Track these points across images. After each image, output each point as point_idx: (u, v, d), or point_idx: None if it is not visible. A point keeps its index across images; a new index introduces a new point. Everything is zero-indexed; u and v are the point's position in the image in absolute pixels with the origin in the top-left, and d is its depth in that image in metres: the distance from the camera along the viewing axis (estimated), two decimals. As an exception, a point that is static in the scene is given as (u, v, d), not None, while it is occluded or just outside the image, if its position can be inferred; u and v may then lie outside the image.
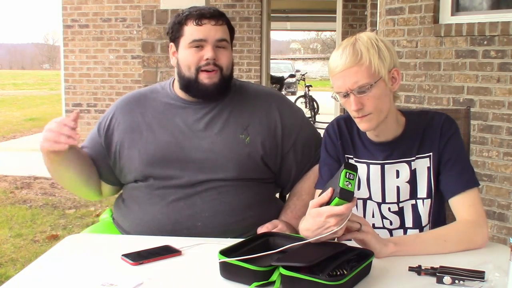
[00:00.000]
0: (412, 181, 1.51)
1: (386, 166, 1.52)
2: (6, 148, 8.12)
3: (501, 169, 3.41)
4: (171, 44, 1.74)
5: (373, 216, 1.56)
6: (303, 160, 1.77)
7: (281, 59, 32.32)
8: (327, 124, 1.65)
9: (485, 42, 3.41)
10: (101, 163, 1.78)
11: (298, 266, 1.12)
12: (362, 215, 1.56)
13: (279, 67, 22.41)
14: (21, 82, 29.56)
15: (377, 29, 5.01)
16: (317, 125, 9.60)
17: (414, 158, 1.50)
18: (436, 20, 3.67)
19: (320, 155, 1.63)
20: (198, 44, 1.65)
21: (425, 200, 1.51)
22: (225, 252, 1.22)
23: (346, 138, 1.57)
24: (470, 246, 1.37)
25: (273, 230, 1.59)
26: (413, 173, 1.51)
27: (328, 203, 1.23)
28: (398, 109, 1.54)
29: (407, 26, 3.80)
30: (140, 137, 1.71)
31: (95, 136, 1.80)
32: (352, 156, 1.57)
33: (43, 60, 70.42)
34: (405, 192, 1.52)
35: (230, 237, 1.55)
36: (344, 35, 7.32)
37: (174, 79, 1.78)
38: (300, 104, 12.37)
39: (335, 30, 8.60)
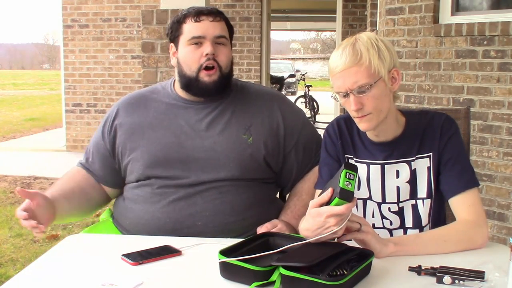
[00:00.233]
0: (412, 181, 1.51)
1: (386, 166, 1.52)
2: (6, 148, 8.12)
3: (501, 169, 3.41)
4: (171, 44, 1.74)
5: (373, 216, 1.56)
6: (304, 160, 1.77)
7: (281, 59, 32.32)
8: (327, 124, 1.65)
9: (485, 42, 3.41)
10: (108, 169, 1.79)
11: (298, 266, 1.12)
12: (362, 215, 1.56)
13: (279, 67, 22.41)
14: (21, 82, 29.57)
15: (377, 29, 5.01)
16: (317, 125, 9.60)
17: (414, 158, 1.50)
18: (436, 20, 3.67)
19: (320, 155, 1.63)
20: (197, 41, 1.66)
21: (425, 200, 1.51)
22: (225, 252, 1.22)
23: (346, 138, 1.58)
24: (470, 246, 1.37)
25: (273, 230, 1.60)
26: (413, 173, 1.51)
27: (328, 203, 1.23)
28: (398, 109, 1.54)
29: (407, 26, 3.80)
30: (142, 137, 1.71)
31: (100, 141, 1.80)
32: (352, 156, 1.57)
33: (43, 60, 70.43)
34: (405, 192, 1.52)
35: (230, 237, 1.55)
36: (344, 35, 7.32)
37: (175, 79, 1.78)
38: (300, 104, 12.37)
39: (335, 30, 8.60)
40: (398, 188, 1.52)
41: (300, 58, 39.30)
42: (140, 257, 1.33)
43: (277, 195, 1.87)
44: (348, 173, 1.21)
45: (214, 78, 1.66)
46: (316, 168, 1.72)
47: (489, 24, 3.36)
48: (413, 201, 1.52)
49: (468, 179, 1.46)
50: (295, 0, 11.91)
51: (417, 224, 1.53)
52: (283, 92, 16.31)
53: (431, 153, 1.50)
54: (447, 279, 1.16)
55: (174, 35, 1.72)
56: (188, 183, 1.65)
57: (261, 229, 1.61)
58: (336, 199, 1.20)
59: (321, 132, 1.79)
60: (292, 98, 11.37)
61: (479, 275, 1.16)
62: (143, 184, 1.70)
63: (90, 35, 7.30)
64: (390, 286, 1.18)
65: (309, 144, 1.78)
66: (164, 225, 1.63)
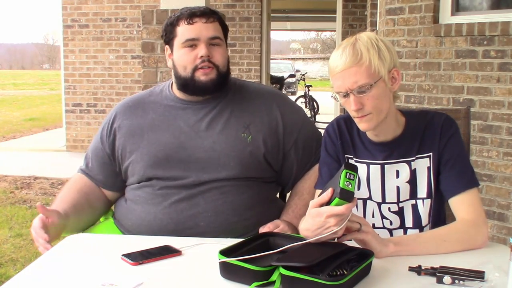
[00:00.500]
0: (412, 181, 1.51)
1: (386, 166, 1.52)
2: (6, 148, 8.12)
3: (501, 169, 3.41)
4: (166, 46, 1.74)
5: (373, 216, 1.56)
6: (304, 159, 1.78)
7: (281, 59, 32.33)
8: (327, 124, 1.65)
9: (485, 42, 3.41)
10: (108, 173, 1.79)
11: (298, 266, 1.12)
12: (362, 215, 1.56)
13: (279, 67, 22.41)
14: (21, 82, 29.57)
15: (377, 29, 5.01)
16: (317, 125, 9.54)
17: (414, 158, 1.50)
18: (436, 20, 3.67)
19: (320, 155, 1.63)
20: (192, 43, 1.66)
21: (425, 200, 1.51)
22: (225, 252, 1.22)
23: (346, 138, 1.57)
24: (470, 246, 1.37)
25: (275, 230, 1.60)
26: (413, 173, 1.51)
27: (328, 203, 1.23)
28: (398, 109, 1.54)
29: (407, 26, 3.80)
30: (142, 140, 1.72)
31: (98, 145, 1.80)
32: (352, 156, 1.57)
33: (43, 60, 70.44)
34: (405, 192, 1.52)
35: (232, 237, 1.55)
36: (344, 35, 7.32)
37: (172, 81, 1.78)
38: (300, 104, 12.35)
39: (335, 30, 8.60)
40: (398, 188, 1.52)
41: (300, 58, 39.30)
42: (140, 257, 1.33)
43: (278, 195, 1.88)
44: (348, 173, 1.21)
45: (211, 76, 1.66)
46: (317, 167, 1.72)
47: (489, 24, 3.36)
48: (413, 201, 1.52)
49: (468, 179, 1.46)
50: (295, 0, 11.91)
51: (417, 224, 1.53)
52: (283, 92, 16.29)
53: (431, 153, 1.50)
54: (447, 279, 1.16)
55: (168, 38, 1.71)
56: (189, 183, 1.65)
57: (263, 229, 1.61)
58: (336, 199, 1.20)
59: (321, 132, 1.79)
60: (292, 98, 11.34)
61: (479, 275, 1.16)
62: (145, 185, 1.70)
63: (90, 35, 7.30)
64: (390, 286, 1.18)
65: (309, 142, 1.78)
66: (166, 226, 1.63)
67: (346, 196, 1.20)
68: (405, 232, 1.54)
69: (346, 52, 1.38)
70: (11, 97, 19.21)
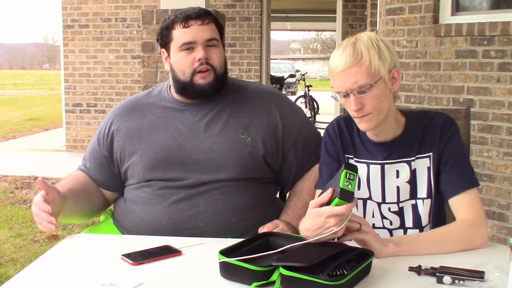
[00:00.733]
0: (412, 181, 1.51)
1: (386, 166, 1.52)
2: (6, 148, 8.12)
3: (501, 169, 3.41)
4: (163, 50, 1.73)
5: (373, 216, 1.56)
6: (303, 159, 1.77)
7: (281, 59, 32.33)
8: (327, 124, 1.65)
9: (485, 42, 3.41)
10: (106, 174, 1.79)
11: (298, 266, 1.12)
12: (362, 215, 1.56)
13: (279, 67, 22.42)
14: (21, 82, 29.56)
15: (377, 29, 5.01)
16: (317, 125, 9.59)
17: (414, 158, 1.50)
18: (436, 20, 3.67)
19: (320, 155, 1.63)
20: (188, 47, 1.65)
21: (425, 200, 1.51)
22: (225, 252, 1.22)
23: (346, 138, 1.57)
24: (470, 246, 1.37)
25: (274, 230, 1.60)
26: (413, 173, 1.51)
27: (328, 203, 1.23)
28: (398, 109, 1.54)
29: (407, 26, 3.80)
30: (140, 142, 1.71)
31: (96, 147, 1.81)
32: (352, 156, 1.57)
33: (43, 60, 70.43)
34: (405, 192, 1.52)
35: (231, 237, 1.55)
36: (344, 35, 7.32)
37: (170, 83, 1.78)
38: (300, 104, 12.36)
39: (335, 30, 8.60)
40: (398, 188, 1.52)
41: (300, 58, 39.30)
42: (140, 257, 1.33)
43: (277, 195, 1.87)
44: (348, 173, 1.21)
45: (209, 80, 1.66)
46: (316, 167, 1.72)
47: (489, 24, 3.36)
48: (413, 201, 1.52)
49: (468, 179, 1.46)
50: (295, 0, 11.91)
51: (417, 224, 1.53)
52: (283, 92, 16.31)
53: (431, 153, 1.50)
54: (447, 279, 1.16)
55: (164, 41, 1.71)
56: (188, 184, 1.65)
57: (262, 230, 1.61)
58: (336, 199, 1.20)
59: (321, 132, 1.79)
60: (292, 98, 11.33)
61: (479, 275, 1.16)
62: (144, 186, 1.70)
63: (90, 35, 7.30)
64: (390, 286, 1.18)
65: (308, 142, 1.78)
66: (165, 226, 1.63)
67: (346, 196, 1.20)
68: (405, 232, 1.54)
69: (346, 52, 1.38)
70: (11, 97, 19.21)
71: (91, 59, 7.32)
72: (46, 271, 1.29)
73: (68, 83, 7.40)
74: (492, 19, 3.40)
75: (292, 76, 19.68)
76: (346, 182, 1.20)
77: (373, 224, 1.55)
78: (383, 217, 1.55)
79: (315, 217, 1.23)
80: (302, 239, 1.29)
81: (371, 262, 1.21)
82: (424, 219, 1.52)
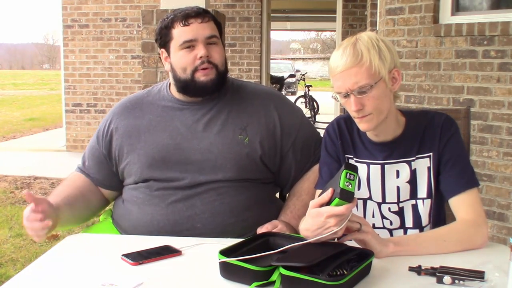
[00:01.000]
0: (412, 181, 1.51)
1: (386, 166, 1.52)
2: (6, 148, 8.12)
3: (501, 169, 3.41)
4: (162, 50, 1.73)
5: (373, 216, 1.56)
6: (302, 160, 1.77)
7: (281, 59, 32.32)
8: (327, 124, 1.65)
9: (485, 42, 3.41)
10: (105, 172, 1.79)
11: (298, 266, 1.12)
12: (362, 215, 1.56)
13: (279, 67, 22.42)
14: (21, 82, 29.56)
15: (377, 29, 5.01)
16: (317, 125, 9.60)
17: (414, 158, 1.50)
18: (436, 20, 3.67)
19: (320, 155, 1.63)
20: (189, 45, 1.65)
21: (425, 200, 1.51)
22: (225, 252, 1.22)
23: (346, 138, 1.57)
24: (470, 246, 1.37)
25: (273, 230, 1.59)
26: (413, 173, 1.51)
27: (328, 203, 1.23)
28: (398, 109, 1.53)
29: (407, 26, 3.80)
30: (139, 141, 1.71)
31: (95, 145, 1.81)
32: (352, 156, 1.57)
33: (43, 60, 70.42)
34: (405, 192, 1.52)
35: (230, 238, 1.55)
36: (344, 35, 7.32)
37: (170, 82, 1.78)
38: (300, 104, 12.37)
39: (335, 30, 8.60)
40: (398, 188, 1.52)
41: (300, 58, 39.29)
42: (140, 257, 1.33)
43: (277, 195, 1.87)
44: (348, 174, 1.21)
45: (211, 76, 1.66)
46: (316, 167, 1.72)
47: (489, 24, 3.36)
48: (413, 201, 1.52)
49: (468, 179, 1.46)
50: (295, 0, 11.91)
51: (417, 224, 1.53)
52: (283, 92, 16.31)
53: (431, 153, 1.50)
54: (447, 279, 1.16)
55: (164, 41, 1.70)
56: (185, 184, 1.65)
57: (261, 230, 1.60)
58: (336, 200, 1.20)
59: (321, 132, 1.79)
60: (292, 98, 11.38)
61: (479, 275, 1.16)
62: (141, 186, 1.70)
63: (90, 35, 7.30)
64: (390, 286, 1.18)
65: (307, 143, 1.78)
66: (163, 227, 1.63)
67: (346, 196, 1.20)
68: (405, 232, 1.54)
69: (347, 52, 1.38)
70: (11, 97, 19.21)
71: (91, 59, 7.32)
72: (46, 271, 1.29)
73: (68, 83, 7.40)
74: (492, 19, 3.40)
75: (292, 76, 19.67)
76: (346, 182, 1.20)
77: (373, 224, 1.55)
78: (383, 217, 1.55)
79: (315, 217, 1.23)
80: (302, 239, 1.29)
81: (371, 262, 1.21)
82: (424, 219, 1.52)
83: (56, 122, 10.68)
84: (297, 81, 18.50)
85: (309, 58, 39.50)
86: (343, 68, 1.38)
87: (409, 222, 1.53)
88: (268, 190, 1.78)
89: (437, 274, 1.18)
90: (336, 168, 1.50)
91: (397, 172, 1.51)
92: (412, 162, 1.50)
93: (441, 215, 1.56)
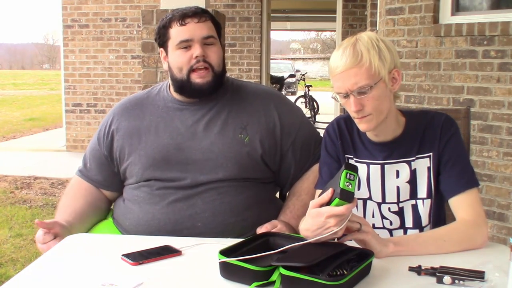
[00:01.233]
0: (412, 181, 1.51)
1: (386, 166, 1.52)
2: (6, 148, 8.12)
3: (501, 169, 3.41)
4: (161, 49, 1.74)
5: (373, 216, 1.56)
6: (302, 159, 1.77)
7: (281, 59, 32.32)
8: (327, 124, 1.65)
9: (485, 42, 3.41)
10: (106, 173, 1.79)
11: (298, 266, 1.12)
12: (362, 215, 1.56)
13: (279, 67, 22.41)
14: (21, 82, 29.54)
15: (377, 29, 5.01)
16: (317, 125, 9.60)
17: (414, 158, 1.50)
18: (436, 20, 3.67)
19: (320, 155, 1.63)
20: (186, 45, 1.65)
21: (425, 200, 1.51)
22: (225, 252, 1.22)
23: (346, 138, 1.57)
24: (470, 246, 1.37)
25: (273, 230, 1.59)
26: (413, 173, 1.51)
27: (328, 203, 1.23)
28: (398, 109, 1.53)
29: (407, 26, 3.80)
30: (140, 141, 1.72)
31: (95, 146, 1.81)
32: (352, 156, 1.57)
33: (43, 60, 70.41)
34: (405, 192, 1.52)
35: (230, 237, 1.55)
36: (344, 35, 7.32)
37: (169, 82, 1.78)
38: (300, 104, 12.37)
39: (335, 30, 8.60)
40: (398, 188, 1.52)
41: (300, 58, 39.28)
42: (140, 257, 1.33)
43: (277, 195, 1.87)
44: (348, 174, 1.21)
45: (207, 79, 1.66)
46: (315, 167, 1.72)
47: (489, 24, 3.36)
48: (413, 201, 1.52)
49: (468, 179, 1.46)
50: (295, 0, 11.91)
51: (417, 224, 1.53)
52: (283, 92, 16.31)
53: (431, 153, 1.50)
54: (447, 279, 1.16)
55: (162, 40, 1.71)
56: (186, 184, 1.65)
57: (260, 230, 1.60)
58: (337, 200, 1.20)
59: (321, 132, 1.79)
60: (292, 98, 11.37)
61: (479, 275, 1.16)
62: (143, 185, 1.71)
63: (90, 35, 7.30)
64: (390, 286, 1.18)
65: (307, 142, 1.78)
66: (164, 226, 1.63)
67: (346, 196, 1.20)
68: (405, 232, 1.54)
69: (347, 52, 1.38)
70: (11, 97, 19.20)
71: (91, 59, 7.33)
72: (46, 271, 1.29)
73: (68, 83, 7.40)
74: (492, 19, 3.40)
75: (292, 76, 19.67)
76: (346, 182, 1.20)
77: (373, 224, 1.55)
78: (383, 217, 1.55)
79: (315, 217, 1.23)
80: (302, 239, 1.29)
81: (371, 262, 1.21)
82: (424, 219, 1.52)
83: (56, 122, 10.69)
84: (297, 81, 18.50)
85: (309, 58, 39.49)
86: (343, 69, 1.38)
87: (409, 222, 1.53)
88: (268, 190, 1.78)
89: (437, 274, 1.18)
90: (336, 168, 1.50)
91: (397, 172, 1.51)
92: (412, 162, 1.51)
93: (441, 215, 1.56)
